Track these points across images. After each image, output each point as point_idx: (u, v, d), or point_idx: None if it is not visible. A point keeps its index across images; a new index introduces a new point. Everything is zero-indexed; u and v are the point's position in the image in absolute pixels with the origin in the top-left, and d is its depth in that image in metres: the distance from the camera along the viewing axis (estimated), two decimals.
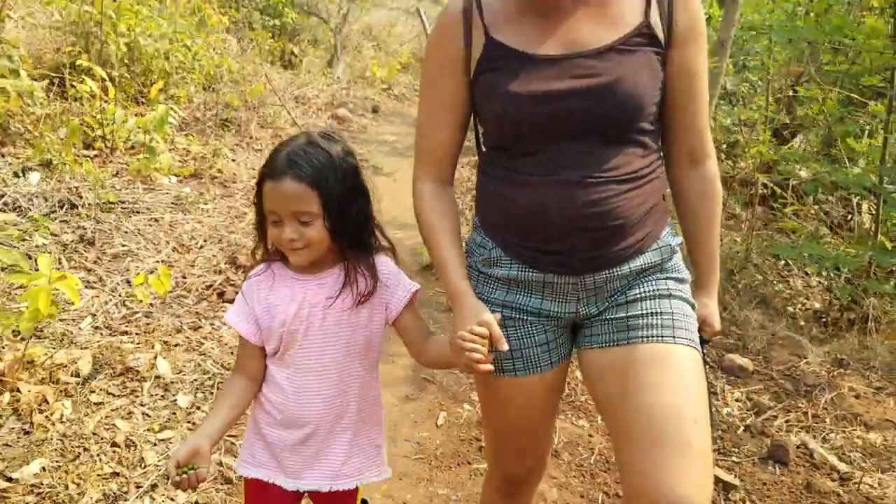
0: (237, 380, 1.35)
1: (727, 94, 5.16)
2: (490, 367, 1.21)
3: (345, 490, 1.37)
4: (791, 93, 4.28)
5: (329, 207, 1.25)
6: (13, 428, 2.01)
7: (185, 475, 1.16)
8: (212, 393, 2.30)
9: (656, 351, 1.25)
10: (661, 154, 1.38)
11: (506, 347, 1.25)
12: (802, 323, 3.54)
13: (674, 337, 1.26)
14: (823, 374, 2.83)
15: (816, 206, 4.32)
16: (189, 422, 2.17)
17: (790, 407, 2.62)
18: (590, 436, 2.38)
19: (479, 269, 1.39)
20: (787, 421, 2.52)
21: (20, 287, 2.42)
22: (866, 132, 4.07)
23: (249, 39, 6.72)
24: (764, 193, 4.24)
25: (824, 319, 3.59)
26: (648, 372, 1.23)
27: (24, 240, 2.85)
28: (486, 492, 1.60)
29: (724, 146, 4.75)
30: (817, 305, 3.88)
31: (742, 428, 2.49)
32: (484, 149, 1.41)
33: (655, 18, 1.27)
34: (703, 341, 1.35)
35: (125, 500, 1.82)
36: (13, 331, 2.24)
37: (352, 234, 1.31)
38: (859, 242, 3.59)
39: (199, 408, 2.21)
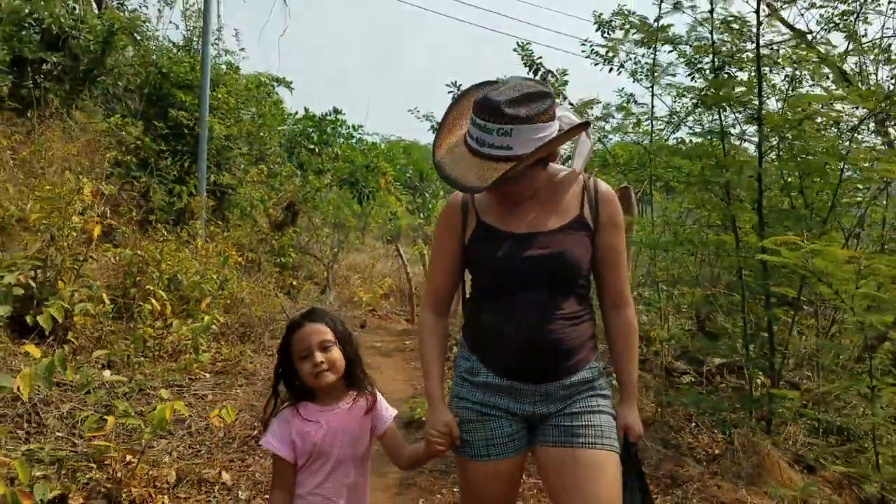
0: (280, 498, 1.82)
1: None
2: (445, 451, 1.80)
3: None
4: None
5: (339, 337, 1.86)
6: None
7: None
8: (260, 491, 3.26)
9: (591, 454, 1.75)
10: (591, 303, 1.90)
11: (458, 440, 1.80)
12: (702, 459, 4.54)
13: (603, 445, 1.77)
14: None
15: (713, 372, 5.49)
16: None
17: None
18: None
19: (463, 376, 1.89)
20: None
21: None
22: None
23: (261, 274, 8.21)
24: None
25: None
26: (587, 469, 1.73)
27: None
28: None
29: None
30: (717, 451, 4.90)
31: None
32: (469, 294, 1.96)
33: (587, 213, 1.84)
34: (630, 444, 1.83)
35: None
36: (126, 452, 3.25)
37: (354, 362, 1.89)
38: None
39: (253, 497, 3.17)
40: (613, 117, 5.58)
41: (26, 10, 10.52)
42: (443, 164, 1.77)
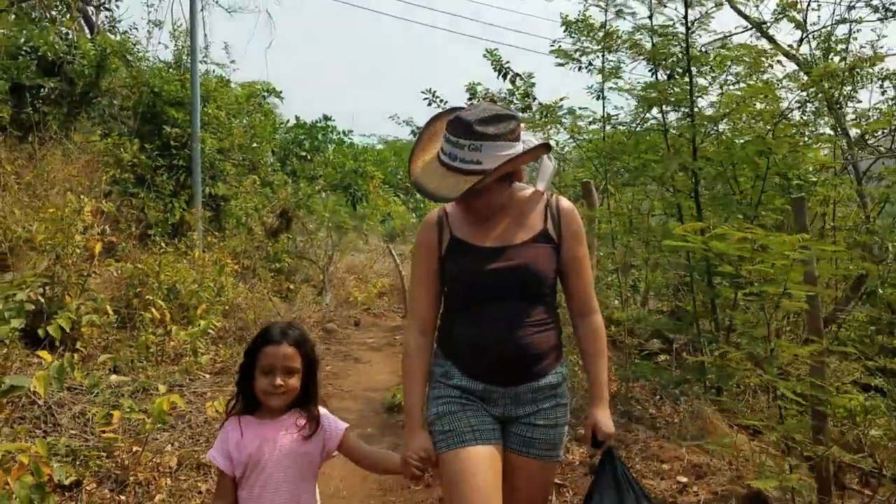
0: (222, 500, 1.88)
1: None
2: (421, 475, 1.92)
3: None
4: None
5: (305, 363, 1.90)
6: (136, 492, 3.40)
7: None
8: None
9: (539, 464, 1.98)
10: (556, 312, 2.02)
11: (434, 466, 1.91)
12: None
13: (549, 457, 1.99)
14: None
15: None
16: None
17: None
18: None
19: (439, 380, 2.01)
20: None
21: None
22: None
23: (256, 279, 8.65)
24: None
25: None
26: (531, 475, 1.98)
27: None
28: None
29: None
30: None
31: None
32: (443, 307, 2.06)
33: (550, 227, 1.98)
34: (600, 442, 1.97)
35: None
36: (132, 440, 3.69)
37: (308, 389, 1.92)
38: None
39: None
40: (563, 122, 5.96)
41: (22, 39, 10.94)
42: (418, 179, 1.93)
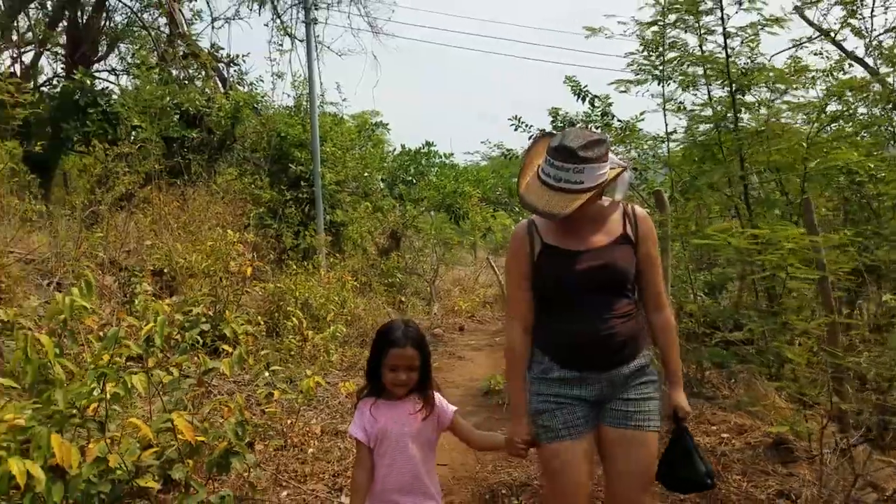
0: (362, 467, 2.23)
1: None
2: (524, 456, 2.26)
3: None
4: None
5: (423, 360, 2.22)
6: (293, 450, 4.52)
7: None
8: None
9: (639, 434, 2.19)
10: (638, 304, 2.27)
11: (534, 445, 2.21)
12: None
13: (648, 427, 2.20)
14: None
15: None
16: None
17: None
18: None
19: (539, 376, 2.23)
20: None
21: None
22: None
23: (372, 293, 9.89)
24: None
25: None
26: (633, 445, 2.19)
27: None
28: None
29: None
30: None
31: None
32: (537, 308, 2.27)
33: (629, 231, 2.24)
34: (680, 419, 2.22)
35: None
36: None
37: (425, 379, 2.24)
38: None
39: None
40: (637, 140, 6.72)
41: (167, 98, 12.85)
42: (527, 199, 2.17)
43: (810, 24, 8.63)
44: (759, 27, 5.21)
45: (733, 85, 5.32)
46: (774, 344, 4.43)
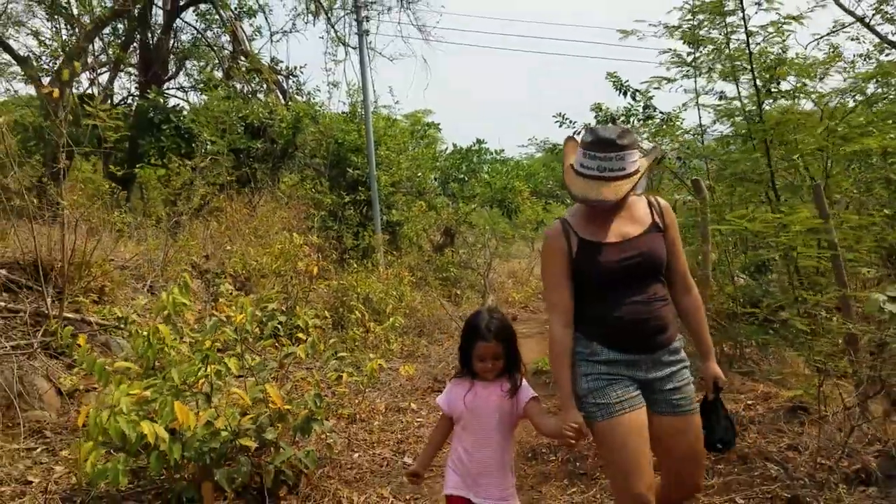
0: (439, 429, 2.55)
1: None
2: (575, 444, 2.26)
3: None
4: None
5: (508, 352, 2.37)
6: (360, 424, 5.14)
7: (414, 480, 2.51)
8: (433, 412, 5.32)
9: (686, 418, 2.35)
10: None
11: (586, 437, 2.31)
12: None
13: (691, 410, 2.36)
14: None
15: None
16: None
17: None
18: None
19: (586, 359, 2.34)
20: None
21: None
22: None
23: (428, 287, 10.50)
24: None
25: None
26: (685, 428, 2.34)
27: None
28: None
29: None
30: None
31: None
32: (579, 299, 2.37)
33: (657, 219, 2.40)
34: (718, 388, 2.44)
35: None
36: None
37: (512, 364, 2.40)
38: None
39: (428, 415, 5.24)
40: (678, 131, 7.12)
41: (233, 112, 13.73)
42: (577, 194, 2.30)
43: (845, 9, 8.78)
44: (779, 24, 5.53)
45: (756, 80, 5.66)
46: (787, 315, 4.80)
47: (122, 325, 5.17)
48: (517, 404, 2.41)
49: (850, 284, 4.66)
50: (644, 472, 2.21)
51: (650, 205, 2.44)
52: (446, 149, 17.27)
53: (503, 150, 16.94)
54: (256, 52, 15.74)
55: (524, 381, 2.46)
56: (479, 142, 16.57)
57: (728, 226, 4.52)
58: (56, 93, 4.69)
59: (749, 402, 4.59)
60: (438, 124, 16.42)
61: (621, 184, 2.23)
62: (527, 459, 4.17)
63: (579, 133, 8.06)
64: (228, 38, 15.59)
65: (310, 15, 15.89)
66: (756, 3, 5.45)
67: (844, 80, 6.24)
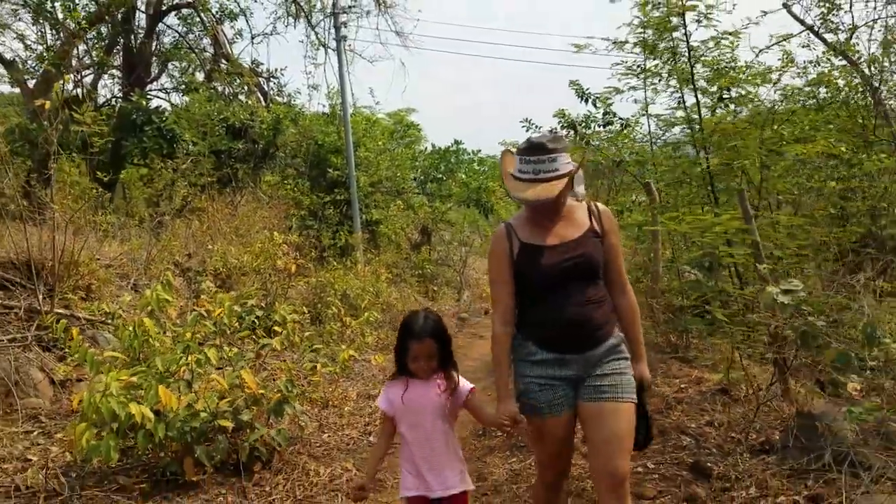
0: (382, 434, 2.59)
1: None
2: (511, 432, 2.55)
3: (453, 494, 2.46)
4: None
5: (441, 346, 2.46)
6: (333, 410, 5.57)
7: (359, 494, 2.51)
8: None
9: (613, 405, 2.42)
10: (605, 289, 2.51)
11: (523, 424, 2.39)
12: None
13: (622, 398, 2.43)
14: None
15: None
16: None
17: None
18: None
19: (523, 359, 2.49)
20: None
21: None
22: None
23: (404, 284, 10.94)
24: None
25: None
26: (609, 414, 2.40)
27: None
28: (536, 488, 2.76)
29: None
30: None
31: None
32: (519, 299, 2.51)
33: (595, 225, 2.51)
34: (643, 389, 2.51)
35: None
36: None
37: (447, 361, 2.48)
38: None
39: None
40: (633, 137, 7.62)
41: (215, 113, 14.04)
42: (517, 194, 2.44)
43: (796, 18, 9.32)
44: (718, 39, 6.02)
45: (697, 92, 6.16)
46: (710, 308, 5.29)
47: (110, 320, 5.59)
48: (457, 398, 2.51)
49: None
50: (554, 465, 2.58)
51: (589, 210, 2.56)
52: (426, 148, 17.70)
53: (480, 151, 17.42)
54: (237, 54, 16.08)
55: (461, 378, 2.55)
56: (456, 142, 17.02)
57: (662, 227, 5.00)
58: (48, 104, 5.06)
59: (682, 386, 5.07)
60: (418, 124, 16.86)
61: (556, 183, 2.37)
62: (476, 437, 4.63)
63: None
64: (210, 41, 15.90)
65: (290, 18, 16.25)
66: (696, 21, 5.92)
67: (779, 92, 6.72)
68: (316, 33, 16.03)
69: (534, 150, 2.41)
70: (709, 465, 3.52)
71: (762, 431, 3.95)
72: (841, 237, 6.09)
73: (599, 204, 2.62)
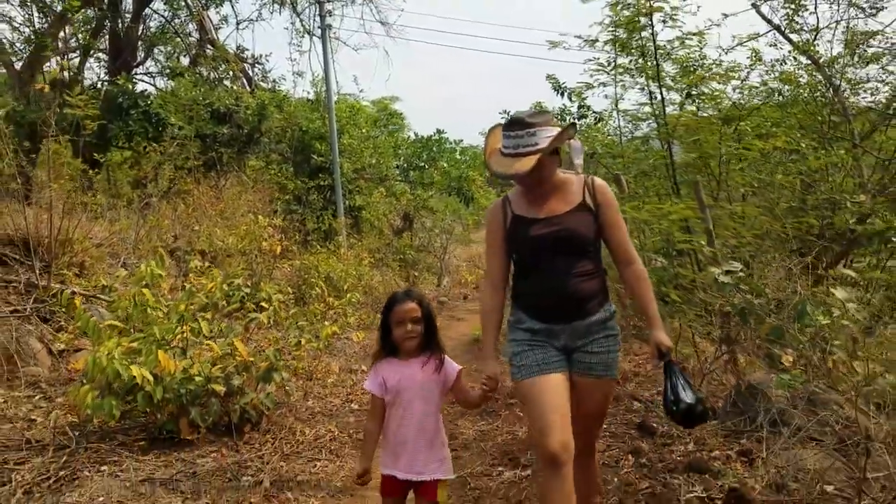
0: (373, 416, 2.51)
1: None
2: (491, 396, 2.52)
3: (428, 480, 2.43)
4: None
5: (425, 314, 2.45)
6: (316, 381, 5.93)
7: (362, 479, 2.48)
8: None
9: (597, 381, 2.53)
10: (601, 264, 2.55)
11: (501, 384, 2.53)
12: None
13: (605, 375, 2.53)
14: None
15: None
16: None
17: None
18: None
19: (514, 325, 2.59)
20: None
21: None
22: None
23: (386, 268, 11.29)
24: None
25: None
26: (592, 388, 2.52)
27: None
28: (541, 481, 2.67)
29: None
30: None
31: None
32: (513, 270, 2.63)
33: (588, 199, 2.52)
34: (664, 353, 2.42)
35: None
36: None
37: (432, 333, 2.47)
38: None
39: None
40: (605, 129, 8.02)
41: (200, 98, 14.20)
42: (496, 170, 2.51)
43: (763, 17, 9.73)
44: (682, 39, 6.42)
45: (662, 89, 6.56)
46: (665, 290, 5.71)
47: (106, 294, 5.89)
48: (444, 379, 2.49)
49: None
50: (556, 428, 2.32)
51: (585, 185, 2.56)
52: (409, 137, 17.99)
53: (462, 140, 17.75)
54: (223, 40, 16.24)
55: (448, 359, 2.54)
56: (439, 132, 17.32)
57: (626, 214, 5.41)
58: (47, 88, 5.33)
59: (640, 361, 5.49)
60: (402, 113, 17.15)
61: (532, 157, 2.39)
62: (450, 403, 5.01)
63: None
64: (196, 27, 16.04)
65: (275, 5, 16.41)
66: (662, 21, 6.30)
67: (744, 90, 7.13)
68: (301, 20, 16.23)
69: (514, 125, 2.46)
70: (654, 424, 3.93)
71: (707, 399, 4.37)
72: (799, 228, 6.54)
73: (598, 179, 2.62)
